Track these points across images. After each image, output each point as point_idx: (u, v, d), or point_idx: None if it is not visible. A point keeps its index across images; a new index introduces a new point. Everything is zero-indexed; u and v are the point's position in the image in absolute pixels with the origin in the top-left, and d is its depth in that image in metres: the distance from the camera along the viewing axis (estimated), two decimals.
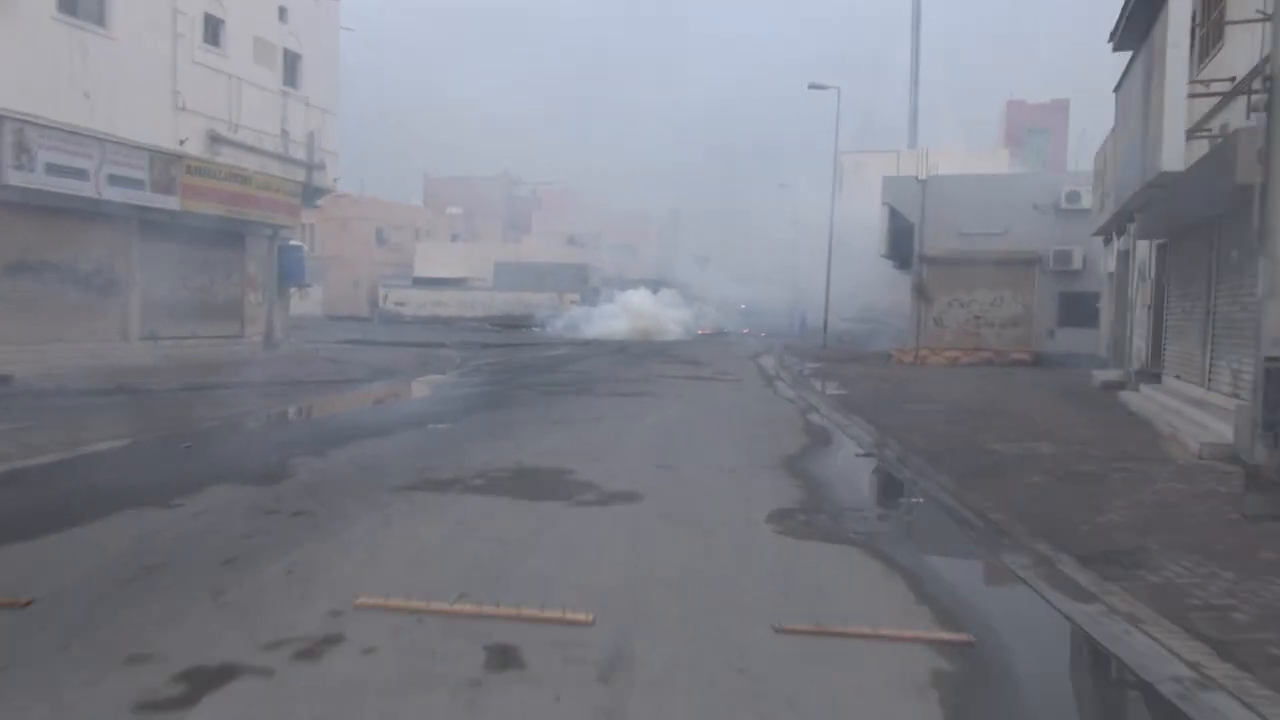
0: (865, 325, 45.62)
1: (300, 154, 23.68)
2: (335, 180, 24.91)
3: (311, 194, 24.45)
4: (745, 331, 56.95)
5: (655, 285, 54.97)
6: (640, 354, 33.05)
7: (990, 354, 29.22)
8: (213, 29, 20.85)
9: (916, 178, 29.81)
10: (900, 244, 30.93)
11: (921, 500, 8.95)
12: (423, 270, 58.48)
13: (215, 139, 20.89)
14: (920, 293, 29.88)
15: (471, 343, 35.27)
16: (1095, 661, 4.94)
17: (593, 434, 12.36)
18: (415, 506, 7.82)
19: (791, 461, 10.77)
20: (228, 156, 21.22)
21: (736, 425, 13.96)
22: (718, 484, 9.28)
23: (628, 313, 46.13)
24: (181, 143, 19.94)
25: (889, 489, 9.88)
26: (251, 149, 21.94)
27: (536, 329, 49.70)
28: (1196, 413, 12.78)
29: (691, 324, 51.91)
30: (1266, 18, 10.11)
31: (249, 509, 7.52)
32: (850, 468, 10.84)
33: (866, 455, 11.51)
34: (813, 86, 35.38)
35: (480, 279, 57.85)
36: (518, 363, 26.59)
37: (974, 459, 10.90)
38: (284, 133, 22.97)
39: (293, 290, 25.65)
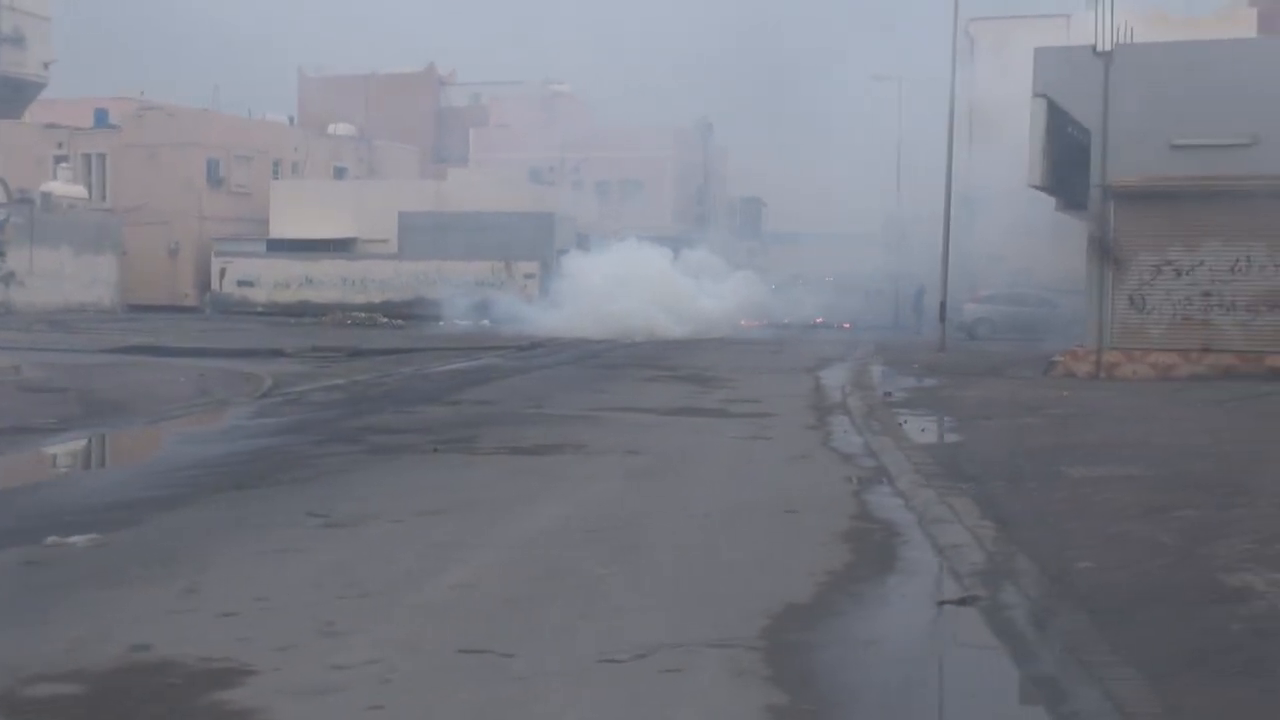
0: (1018, 309, 42.45)
1: None
2: (46, 66, 22.10)
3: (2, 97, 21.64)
4: (818, 321, 54.04)
5: (675, 245, 52.12)
6: (617, 363, 30.09)
7: (1232, 359, 25.88)
8: None
9: (1094, 48, 26.53)
10: (1067, 166, 27.69)
11: None
12: (283, 227, 55.76)
13: None
14: (1103, 251, 26.59)
15: (333, 349, 32.47)
16: None
17: (386, 558, 9.29)
18: None
19: (784, 631, 7.58)
20: None
21: (706, 525, 10.86)
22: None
23: (600, 288, 42.93)
24: None
25: None
26: None
27: (454, 322, 46.73)
28: None
29: (737, 308, 49.02)
30: None
31: None
32: (916, 653, 7.63)
33: (961, 602, 8.31)
34: None
35: (381, 240, 55.13)
36: (383, 386, 23.69)
37: (1200, 616, 7.73)
38: None
39: None
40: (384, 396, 21.64)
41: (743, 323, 49.09)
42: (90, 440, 16.22)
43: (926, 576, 9.25)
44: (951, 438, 16.70)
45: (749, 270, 55.07)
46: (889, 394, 22.61)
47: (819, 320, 54.20)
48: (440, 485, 12.47)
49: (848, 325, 52.92)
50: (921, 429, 17.49)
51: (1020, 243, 45.83)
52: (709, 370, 27.79)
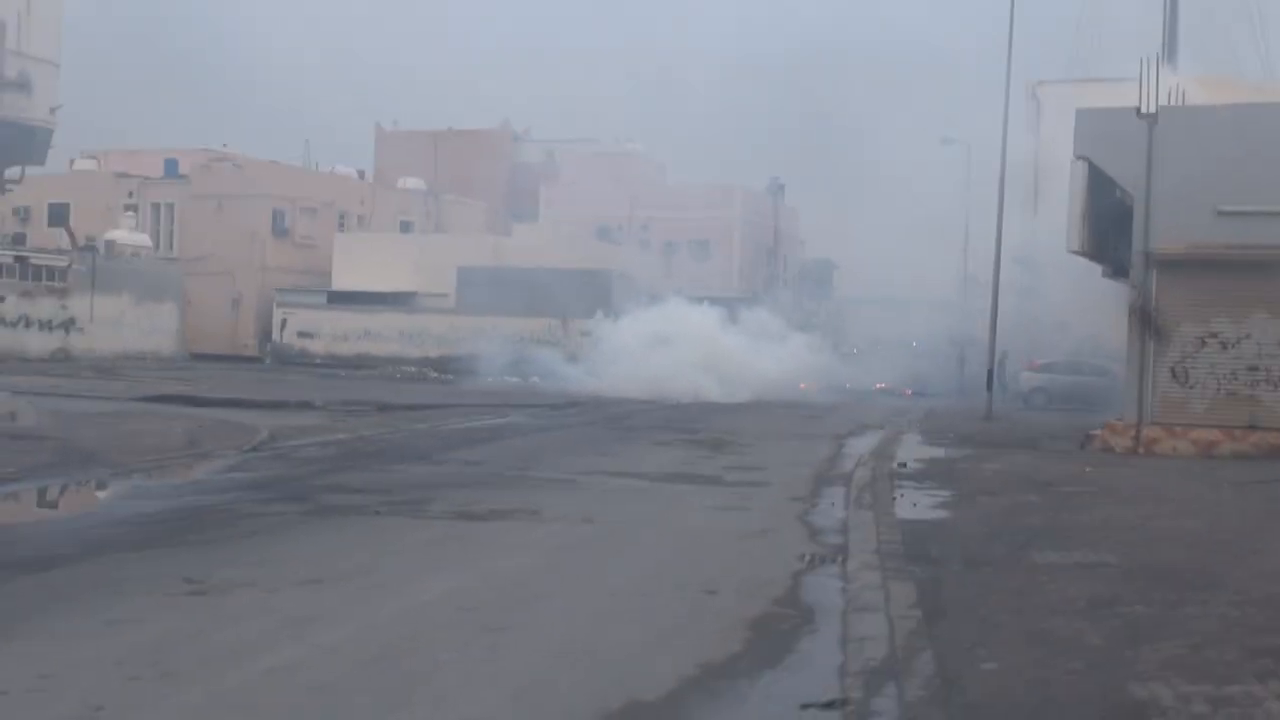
0: (1075, 378, 41.07)
1: None
2: (53, 111, 21.99)
3: (12, 143, 21.57)
4: (880, 386, 52.88)
5: (733, 305, 51.36)
6: (641, 425, 29.31)
7: (1279, 438, 24.53)
8: None
9: (1139, 110, 25.52)
10: (1112, 232, 26.59)
11: None
12: (345, 279, 55.84)
13: None
14: (1144, 321, 25.42)
15: (364, 403, 31.98)
16: None
17: (225, 633, 8.57)
18: None
19: None
20: None
21: (605, 605, 10.07)
22: None
23: (649, 348, 42.22)
24: None
25: None
26: None
27: (503, 379, 46.16)
28: None
29: (796, 371, 48.03)
30: None
31: None
32: None
33: (827, 706, 7.44)
34: None
35: (441, 295, 55.03)
36: (383, 442, 23.19)
37: None
38: None
39: None
40: (375, 453, 21.03)
41: (802, 386, 48.02)
42: (27, 492, 15.71)
43: (811, 673, 8.35)
44: (938, 514, 15.68)
45: (814, 333, 54.05)
46: (903, 465, 21.57)
47: (881, 385, 53.02)
48: (349, 551, 11.77)
49: (909, 392, 51.75)
50: (913, 504, 16.48)
51: (1084, 310, 44.46)
52: (732, 435, 26.89)
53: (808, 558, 12.57)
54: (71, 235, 50.15)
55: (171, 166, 57.93)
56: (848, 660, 8.55)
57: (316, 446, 21.71)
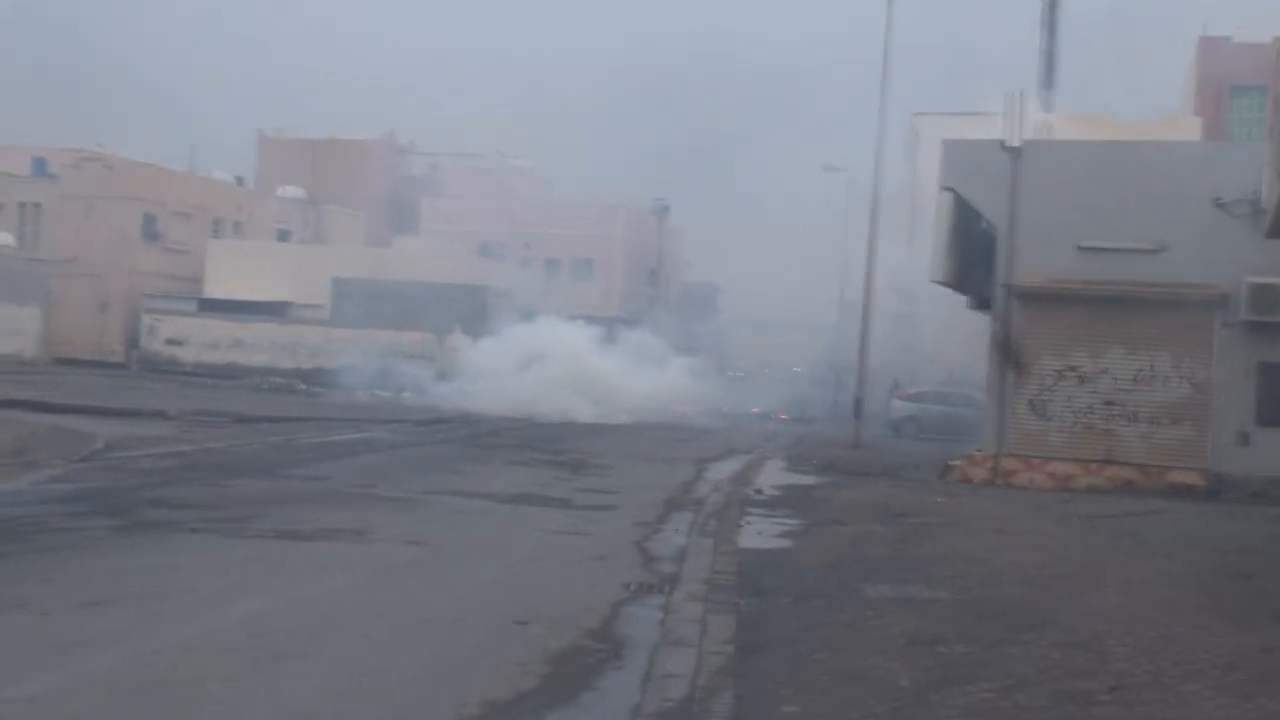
0: (946, 408, 41.29)
1: None
2: None
3: None
4: (756, 411, 52.96)
5: (613, 325, 51.02)
6: (504, 444, 28.82)
7: (1133, 473, 24.68)
8: None
9: (1004, 143, 25.66)
10: (973, 263, 26.64)
11: None
12: (218, 287, 54.58)
13: None
14: (1005, 354, 25.49)
15: (222, 414, 31.06)
16: None
17: None
18: None
19: None
20: None
21: (405, 635, 9.55)
22: None
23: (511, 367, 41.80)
24: None
25: None
26: None
27: (375, 393, 45.29)
28: None
29: (673, 394, 47.74)
30: None
31: None
32: None
33: None
34: None
35: (317, 306, 54.04)
36: (228, 455, 22.44)
37: None
38: None
39: None
40: (215, 466, 20.25)
41: (678, 408, 47.74)
42: None
43: (601, 713, 7.92)
44: (781, 544, 15.38)
45: (698, 355, 53.91)
46: (759, 491, 21.33)
47: (756, 410, 53.07)
48: (149, 570, 11.12)
49: (784, 416, 51.84)
50: (759, 532, 16.19)
51: (956, 340, 44.82)
52: (594, 457, 26.47)
53: (634, 586, 12.18)
54: None
55: (40, 166, 56.21)
56: (645, 700, 8.15)
57: (154, 458, 20.85)
